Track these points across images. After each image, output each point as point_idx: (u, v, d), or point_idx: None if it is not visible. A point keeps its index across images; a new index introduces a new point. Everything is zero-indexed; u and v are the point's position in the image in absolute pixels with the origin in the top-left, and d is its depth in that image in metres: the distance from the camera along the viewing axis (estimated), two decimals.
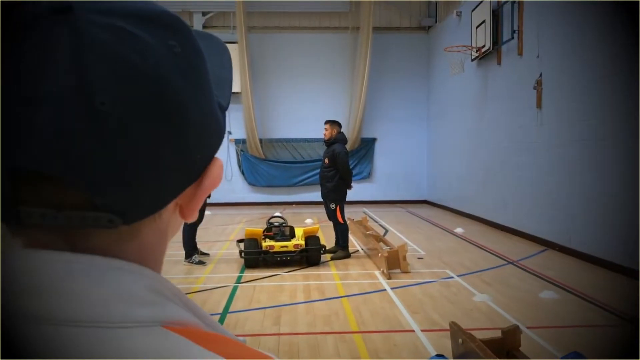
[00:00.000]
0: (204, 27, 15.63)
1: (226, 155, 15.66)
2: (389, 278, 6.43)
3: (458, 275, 6.64)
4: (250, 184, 15.85)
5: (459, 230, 10.33)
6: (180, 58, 0.44)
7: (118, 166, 0.41)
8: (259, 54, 15.63)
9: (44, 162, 0.39)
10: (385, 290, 5.99)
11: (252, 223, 11.68)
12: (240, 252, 7.22)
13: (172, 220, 0.49)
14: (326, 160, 7.76)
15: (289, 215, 13.23)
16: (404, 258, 6.76)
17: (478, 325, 4.85)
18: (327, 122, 7.90)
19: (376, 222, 11.62)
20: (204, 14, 15.59)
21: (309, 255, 7.23)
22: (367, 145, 15.91)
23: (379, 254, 6.75)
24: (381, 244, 8.05)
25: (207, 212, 13.03)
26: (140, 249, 0.46)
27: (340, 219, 7.70)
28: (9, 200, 0.41)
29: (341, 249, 7.74)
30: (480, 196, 11.44)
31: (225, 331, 0.50)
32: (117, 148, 0.40)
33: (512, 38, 9.57)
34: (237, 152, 15.59)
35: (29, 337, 0.40)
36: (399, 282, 6.31)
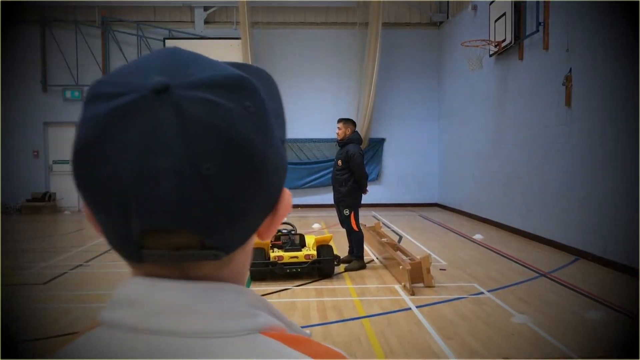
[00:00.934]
0: (205, 22, 15.00)
1: None
2: (413, 294, 5.77)
3: (489, 291, 5.97)
4: None
5: (478, 236, 9.66)
6: (255, 116, 0.53)
7: (223, 215, 0.51)
8: (263, 50, 14.97)
9: (169, 222, 0.49)
10: (410, 309, 5.32)
11: None
12: None
13: (250, 245, 0.60)
14: (339, 162, 7.10)
15: (295, 219, 12.56)
16: (428, 271, 6.10)
17: (522, 353, 4.20)
18: (340, 120, 7.24)
19: (388, 227, 10.98)
20: (205, 8, 14.95)
21: (322, 267, 6.57)
22: (375, 146, 15.24)
23: (400, 266, 6.09)
24: (398, 252, 7.39)
25: None
26: (234, 271, 0.58)
27: (354, 226, 7.04)
28: (136, 246, 0.51)
29: (356, 259, 7.07)
30: (500, 200, 10.77)
31: (302, 330, 0.60)
32: (222, 201, 0.50)
33: (537, 31, 8.89)
34: None
35: (165, 350, 0.50)
36: (424, 299, 5.65)
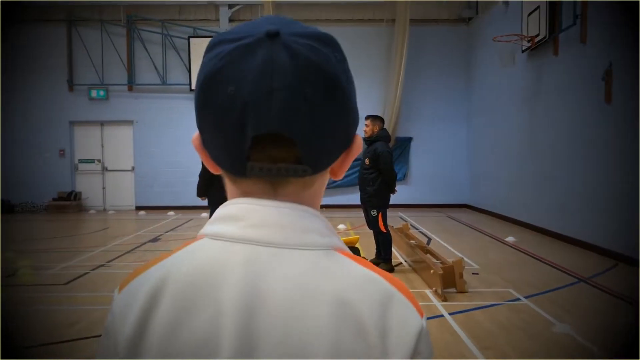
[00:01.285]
0: (230, 20, 14.84)
1: None
2: (445, 300, 5.46)
3: (526, 297, 5.63)
4: None
5: (510, 239, 9.28)
6: (340, 63, 0.68)
7: (317, 132, 0.63)
8: None
9: (277, 127, 0.61)
10: (442, 315, 5.02)
11: None
12: None
13: (326, 178, 0.72)
14: (367, 161, 6.82)
15: None
16: (461, 275, 5.78)
17: None
18: (367, 117, 6.97)
19: (416, 229, 10.66)
20: (230, 6, 14.79)
21: None
22: (402, 145, 14.90)
23: (431, 270, 5.78)
24: (428, 255, 7.08)
25: None
26: (312, 196, 0.70)
27: (382, 228, 6.75)
28: (245, 157, 0.64)
29: (384, 262, 6.78)
30: (533, 201, 10.35)
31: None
32: (316, 119, 0.63)
33: (574, 24, 8.48)
34: None
35: (260, 255, 0.64)
36: (457, 305, 5.34)
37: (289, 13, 14.69)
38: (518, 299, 5.57)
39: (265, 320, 0.61)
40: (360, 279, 0.65)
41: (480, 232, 10.39)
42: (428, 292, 5.83)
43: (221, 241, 0.66)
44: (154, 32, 14.81)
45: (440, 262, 6.51)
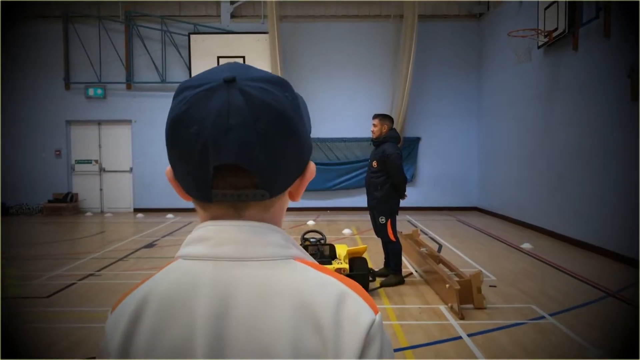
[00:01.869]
0: (232, 16, 14.34)
1: None
2: (462, 318, 4.94)
3: (550, 314, 5.11)
4: None
5: (526, 246, 8.74)
6: (291, 102, 0.77)
7: (271, 162, 0.73)
8: (291, 45, 14.26)
9: (237, 158, 0.71)
10: (460, 337, 4.50)
11: None
12: None
13: (285, 200, 0.82)
14: (374, 164, 6.30)
15: (324, 224, 11.83)
16: (479, 290, 5.27)
17: None
18: (376, 116, 6.45)
19: (426, 234, 10.13)
20: (232, 2, 14.28)
21: None
22: (410, 145, 14.36)
23: (447, 285, 5.27)
24: (441, 265, 6.57)
25: None
26: (272, 217, 0.79)
27: (391, 236, 6.22)
28: (209, 186, 0.73)
29: (393, 274, 6.26)
30: (549, 205, 9.81)
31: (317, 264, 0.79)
32: (270, 151, 0.73)
33: (597, 17, 7.95)
34: None
35: (226, 270, 0.74)
36: (475, 324, 4.82)
37: (292, 9, 14.19)
38: (542, 317, 5.05)
39: (232, 327, 0.71)
40: (316, 283, 0.74)
41: (493, 237, 9.85)
42: (443, 308, 5.31)
43: (192, 260, 0.77)
44: (154, 29, 14.32)
45: (455, 274, 6.00)
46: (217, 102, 0.72)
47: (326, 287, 0.74)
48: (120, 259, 7.98)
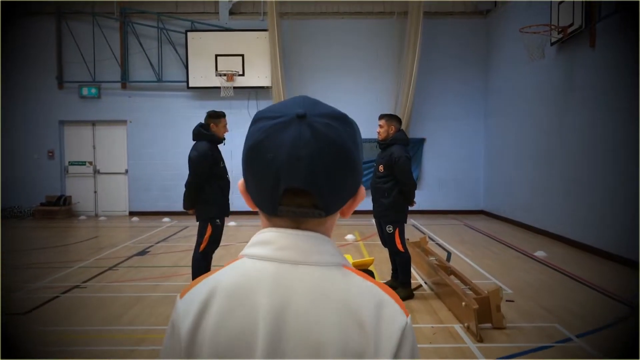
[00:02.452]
0: (230, 13, 13.88)
1: None
2: (480, 340, 4.46)
3: (578, 336, 4.63)
4: None
5: (540, 253, 8.27)
6: (352, 137, 0.89)
7: (330, 188, 0.85)
8: (292, 43, 13.78)
9: (304, 184, 0.83)
10: None
11: None
12: None
13: (336, 216, 0.94)
14: (380, 168, 5.83)
15: None
16: (498, 308, 4.79)
17: None
18: (382, 116, 5.98)
19: (433, 240, 9.66)
20: None
21: None
22: (414, 147, 13.86)
23: (463, 303, 4.79)
24: (452, 276, 6.09)
25: (231, 223, 11.26)
26: (325, 230, 0.92)
27: (399, 247, 5.74)
28: (277, 202, 0.86)
29: (402, 287, 5.78)
30: (562, 210, 9.33)
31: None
32: (331, 179, 0.85)
33: (616, 12, 7.47)
34: None
35: (286, 270, 0.86)
36: (496, 348, 4.34)
37: (293, 6, 13.72)
38: (568, 339, 4.57)
39: (290, 320, 0.83)
40: (360, 288, 0.87)
41: (503, 244, 9.37)
42: (458, 328, 4.83)
43: (256, 260, 0.89)
44: (150, 26, 13.84)
45: (469, 288, 5.53)
46: (290, 134, 0.85)
47: (368, 292, 0.88)
48: (110, 268, 7.51)
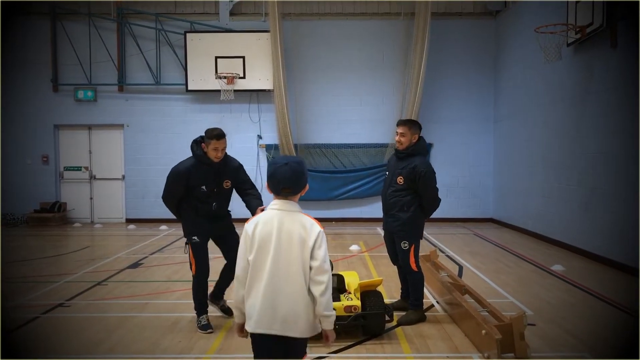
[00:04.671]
0: (231, 14, 13.42)
1: (256, 163, 13.36)
2: None
3: None
4: None
5: (557, 267, 7.75)
6: (303, 167, 2.77)
7: (296, 186, 2.72)
8: (295, 44, 13.31)
9: (288, 185, 2.69)
10: None
11: None
12: None
13: (299, 196, 2.77)
14: (400, 179, 5.18)
15: (329, 237, 10.86)
16: (522, 336, 4.27)
17: None
18: (403, 123, 5.30)
19: (442, 252, 9.16)
20: None
21: (368, 323, 4.81)
22: None
23: (483, 331, 4.28)
24: (467, 296, 5.59)
25: None
26: (294, 199, 2.75)
27: (413, 265, 5.21)
28: (279, 191, 2.73)
29: (413, 309, 5.26)
30: (580, 220, 8.80)
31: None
32: (296, 183, 2.71)
33: None
34: (268, 160, 13.26)
35: (280, 213, 2.73)
36: None
37: (295, 6, 13.25)
38: None
39: (283, 230, 2.63)
40: (306, 218, 2.67)
41: (517, 256, 8.85)
42: (476, 357, 4.32)
43: (271, 210, 2.70)
44: (147, 27, 13.39)
45: (487, 311, 5.02)
46: (283, 169, 2.66)
47: (308, 219, 2.66)
48: (99, 283, 7.03)
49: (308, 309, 2.59)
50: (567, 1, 8.74)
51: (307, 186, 2.73)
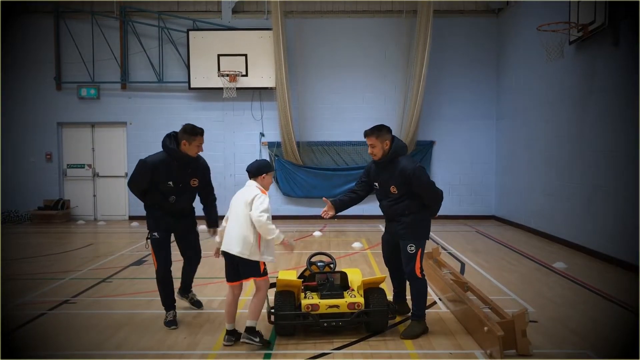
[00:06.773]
0: (233, 12, 13.45)
1: None
2: None
3: None
4: (284, 194, 13.55)
5: (559, 265, 7.79)
6: (267, 162, 4.96)
7: (256, 172, 4.77)
8: (297, 42, 13.34)
9: (252, 172, 4.77)
10: None
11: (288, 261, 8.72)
12: (269, 312, 4.90)
13: (260, 180, 4.76)
14: (393, 189, 4.91)
15: (332, 235, 10.93)
16: (524, 333, 4.32)
17: None
18: (369, 133, 4.96)
19: (444, 249, 9.20)
20: None
21: (371, 321, 4.85)
22: (423, 150, 13.43)
23: (485, 328, 4.33)
24: (469, 293, 5.64)
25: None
26: (262, 185, 4.75)
27: (418, 272, 4.91)
28: (253, 175, 4.80)
29: (417, 320, 4.95)
30: (582, 218, 8.84)
31: None
32: (256, 170, 4.78)
33: None
34: (270, 158, 13.30)
35: (247, 187, 4.80)
36: None
37: (298, 4, 13.28)
38: None
39: (240, 195, 4.67)
40: (253, 188, 4.65)
41: (519, 253, 8.89)
42: (479, 354, 4.36)
43: (247, 186, 4.73)
44: (150, 25, 13.43)
45: (489, 307, 5.06)
46: (252, 164, 4.80)
47: (256, 188, 4.64)
48: (104, 280, 7.09)
49: (246, 239, 4.47)
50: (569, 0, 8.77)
51: (271, 180, 4.85)
